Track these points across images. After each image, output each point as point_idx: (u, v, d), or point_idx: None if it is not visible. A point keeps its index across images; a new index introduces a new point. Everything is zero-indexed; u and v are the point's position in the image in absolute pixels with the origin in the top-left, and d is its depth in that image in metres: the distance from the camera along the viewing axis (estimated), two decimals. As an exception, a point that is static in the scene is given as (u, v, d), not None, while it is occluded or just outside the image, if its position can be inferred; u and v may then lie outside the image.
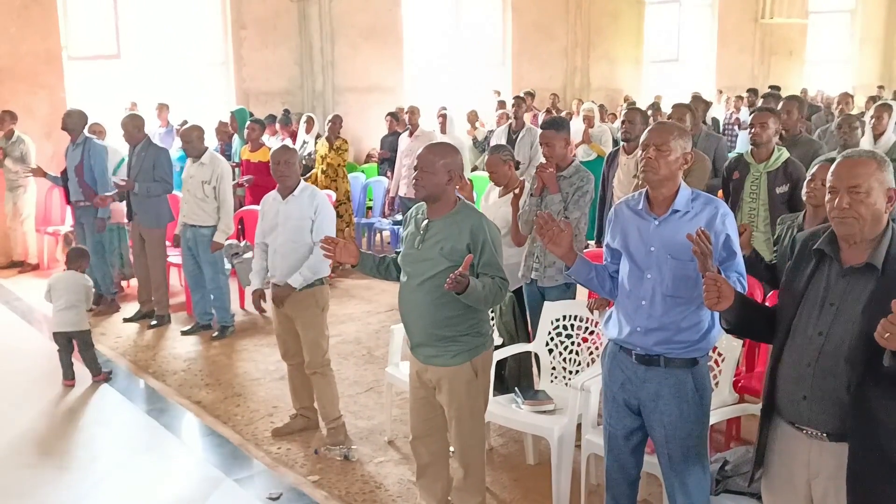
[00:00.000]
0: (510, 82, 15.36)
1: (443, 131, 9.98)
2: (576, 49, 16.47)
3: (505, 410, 4.12)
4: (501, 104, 12.09)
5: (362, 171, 10.80)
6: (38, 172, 7.73)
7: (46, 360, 5.90)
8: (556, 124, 4.99)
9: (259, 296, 4.78)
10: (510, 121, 8.54)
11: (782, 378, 2.48)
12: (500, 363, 4.45)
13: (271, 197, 4.73)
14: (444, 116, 9.79)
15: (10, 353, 6.29)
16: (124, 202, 7.05)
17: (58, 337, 5.53)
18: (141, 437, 4.85)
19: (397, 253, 3.61)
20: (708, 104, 11.01)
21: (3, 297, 7.90)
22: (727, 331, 2.78)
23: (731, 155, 6.21)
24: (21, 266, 9.00)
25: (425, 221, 3.40)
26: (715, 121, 12.34)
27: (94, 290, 5.88)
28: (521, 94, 9.24)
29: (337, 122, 8.90)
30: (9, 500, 4.07)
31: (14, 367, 5.99)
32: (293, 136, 10.75)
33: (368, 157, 12.26)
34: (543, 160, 4.88)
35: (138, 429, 4.95)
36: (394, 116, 10.86)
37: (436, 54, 14.70)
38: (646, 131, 3.08)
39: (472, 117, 10.81)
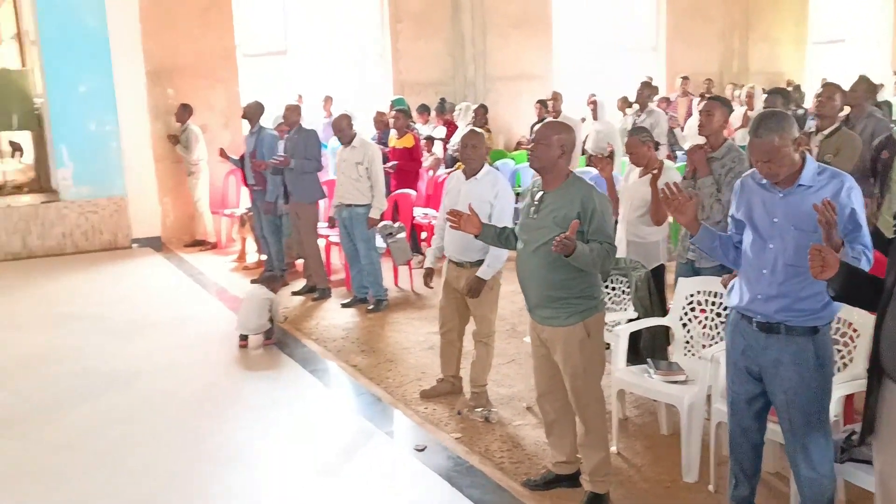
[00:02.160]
0: (663, 67, 15.20)
1: (594, 117, 10.14)
2: (733, 31, 16.03)
3: (637, 379, 4.31)
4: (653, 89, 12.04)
5: (512, 158, 11.09)
6: (222, 154, 8.51)
7: (225, 325, 6.61)
8: (720, 99, 5.16)
9: (430, 273, 5.18)
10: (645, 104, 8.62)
11: (886, 340, 2.57)
12: (635, 336, 4.62)
13: (455, 176, 5.11)
14: (594, 102, 9.93)
15: (194, 319, 7.06)
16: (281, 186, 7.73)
17: (240, 335, 6.18)
18: (303, 393, 5.38)
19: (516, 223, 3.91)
20: (875, 86, 10.53)
21: (187, 270, 8.80)
22: (833, 298, 2.85)
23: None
24: (202, 245, 9.94)
25: (540, 193, 3.69)
26: (888, 104, 11.72)
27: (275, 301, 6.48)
28: (647, 79, 9.27)
29: (480, 111, 9.22)
30: (196, 440, 4.67)
31: (196, 330, 6.74)
32: (447, 124, 11.17)
33: (518, 145, 12.55)
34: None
35: (302, 385, 5.49)
36: (543, 104, 11.07)
37: (586, 41, 14.76)
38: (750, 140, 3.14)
39: (623, 103, 10.86)
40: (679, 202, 3.26)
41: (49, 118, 9.89)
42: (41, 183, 10.71)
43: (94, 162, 9.78)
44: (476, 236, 4.02)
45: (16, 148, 14.10)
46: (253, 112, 8.01)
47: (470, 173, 4.94)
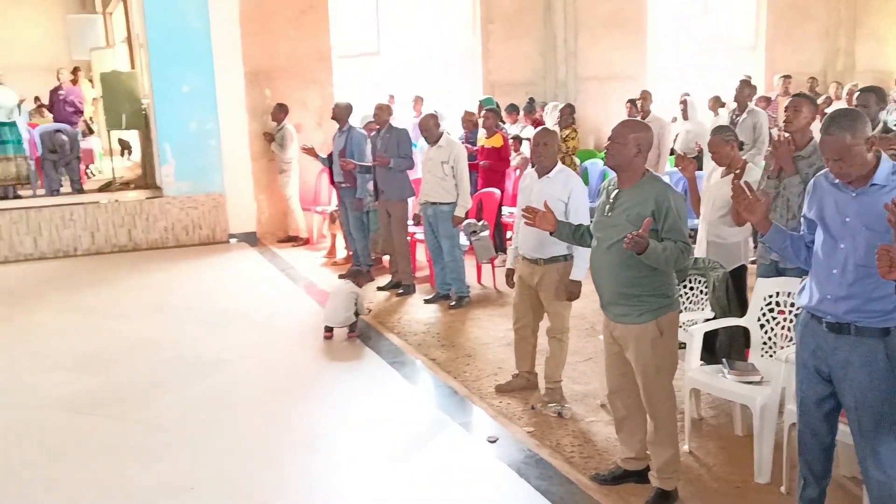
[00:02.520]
0: (762, 66, 14.81)
1: (685, 117, 10.02)
2: (838, 29, 15.48)
3: (710, 379, 4.29)
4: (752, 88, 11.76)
5: (601, 158, 11.04)
6: (310, 152, 8.81)
7: (312, 317, 6.86)
8: (806, 96, 5.09)
9: (511, 273, 5.28)
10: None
11: None
12: (711, 335, 4.60)
13: (529, 175, 5.20)
14: (685, 102, 9.80)
15: (283, 311, 7.35)
16: (371, 184, 7.94)
17: (326, 327, 6.40)
18: (383, 383, 5.54)
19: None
20: None
21: (279, 265, 9.14)
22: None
23: None
24: (294, 240, 10.29)
25: (615, 191, 3.71)
26: None
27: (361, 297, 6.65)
28: (745, 78, 9.06)
29: (566, 111, 9.23)
30: (280, 425, 4.90)
31: (285, 321, 7.02)
32: (536, 123, 11.22)
33: (609, 145, 12.45)
34: (767, 143, 4.94)
35: (382, 376, 5.65)
36: (633, 103, 10.99)
37: (682, 40, 14.53)
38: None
39: (715, 103, 10.67)
40: (749, 201, 3.25)
41: (154, 118, 10.43)
42: (146, 179, 11.32)
43: (195, 160, 10.24)
44: (551, 233, 4.09)
45: (125, 146, 14.90)
46: (342, 112, 8.26)
47: (542, 171, 5.01)
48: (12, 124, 10.49)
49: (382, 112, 7.79)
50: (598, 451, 4.39)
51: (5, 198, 10.44)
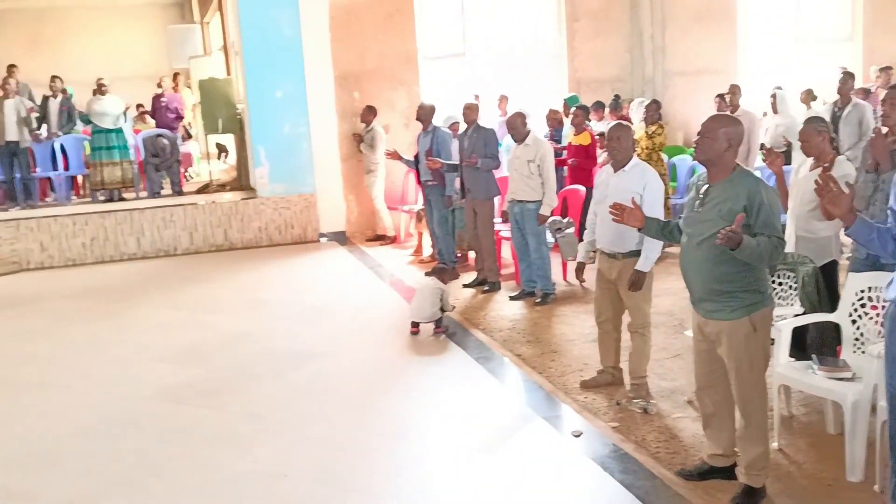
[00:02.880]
0: (860, 57, 14.27)
1: (774, 111, 9.79)
2: (943, 16, 14.78)
3: (800, 374, 4.22)
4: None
5: (690, 154, 10.88)
6: (395, 156, 8.98)
7: (399, 313, 7.02)
8: None
9: (581, 268, 5.33)
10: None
11: None
12: (801, 331, 4.52)
13: (605, 170, 5.23)
14: (774, 96, 9.58)
15: (371, 306, 7.54)
16: (458, 182, 8.05)
17: (413, 322, 6.55)
18: (469, 377, 5.64)
19: (680, 217, 3.93)
20: None
21: (368, 263, 9.36)
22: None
23: None
24: (382, 239, 10.51)
25: (705, 186, 3.69)
26: None
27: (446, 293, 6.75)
28: (848, 70, 8.77)
29: (652, 107, 9.14)
30: (369, 415, 5.05)
31: (374, 317, 7.21)
32: (622, 120, 11.14)
33: (698, 141, 12.24)
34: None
35: (467, 370, 5.75)
36: (722, 98, 10.80)
37: (774, 32, 14.15)
38: None
39: (806, 96, 10.39)
40: (834, 194, 3.20)
41: (249, 122, 10.81)
42: (241, 181, 11.73)
43: (288, 162, 10.57)
44: (639, 230, 4.10)
45: (221, 149, 15.47)
46: (426, 113, 8.42)
47: (617, 166, 5.02)
48: (119, 130, 11.04)
49: (470, 111, 7.89)
50: (684, 447, 4.37)
51: (111, 200, 11.01)
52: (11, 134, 10.64)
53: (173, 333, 6.92)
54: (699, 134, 3.69)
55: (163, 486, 4.23)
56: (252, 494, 4.11)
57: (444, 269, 7.12)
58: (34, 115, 11.16)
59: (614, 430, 4.63)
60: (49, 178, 11.71)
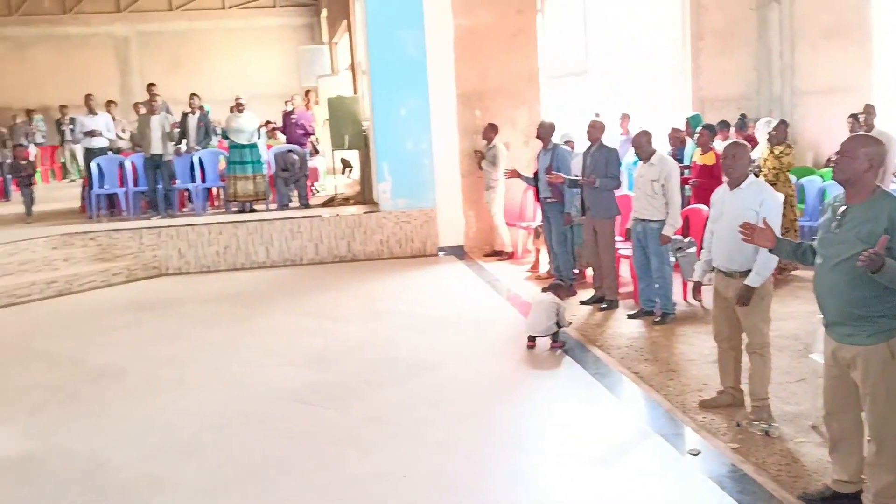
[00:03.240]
0: None
1: (912, 130, 9.36)
2: None
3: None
4: None
5: (820, 175, 10.54)
6: (514, 174, 9.11)
7: (515, 327, 7.11)
8: None
9: (698, 288, 5.29)
10: None
11: None
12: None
13: (721, 188, 5.20)
14: (913, 115, 9.17)
15: (488, 319, 7.67)
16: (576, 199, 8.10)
17: (529, 336, 6.64)
18: (584, 392, 5.67)
19: (813, 239, 3.86)
20: None
21: (485, 277, 9.50)
22: None
23: None
24: (499, 255, 10.63)
25: (843, 207, 3.61)
26: None
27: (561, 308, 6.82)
28: None
29: (780, 127, 8.91)
30: (485, 425, 5.15)
31: (490, 330, 7.33)
32: (748, 139, 10.90)
33: (828, 162, 11.82)
34: None
35: (583, 386, 5.78)
36: (856, 118, 10.40)
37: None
38: None
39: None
40: None
41: (374, 138, 11.18)
42: (365, 196, 12.12)
43: (410, 177, 10.86)
44: (770, 250, 4.06)
45: (346, 165, 16.00)
46: (546, 131, 8.51)
47: (733, 184, 4.98)
48: (253, 146, 11.64)
49: (595, 130, 7.92)
50: (807, 472, 4.28)
51: (243, 211, 11.60)
52: (156, 147, 11.40)
53: (300, 339, 7.23)
54: (838, 153, 3.63)
55: (290, 481, 4.46)
56: (373, 494, 4.28)
57: (560, 285, 7.16)
58: (176, 130, 11.89)
59: (734, 451, 4.57)
60: (188, 190, 12.43)
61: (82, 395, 6.01)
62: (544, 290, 7.23)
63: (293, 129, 13.66)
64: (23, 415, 5.64)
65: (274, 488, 4.38)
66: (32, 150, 13.10)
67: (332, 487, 4.37)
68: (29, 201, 12.10)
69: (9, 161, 14.40)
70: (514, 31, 11.05)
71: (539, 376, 6.14)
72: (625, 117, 12.51)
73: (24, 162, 12.26)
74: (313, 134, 14.23)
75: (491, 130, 10.41)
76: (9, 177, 15.53)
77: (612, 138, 11.32)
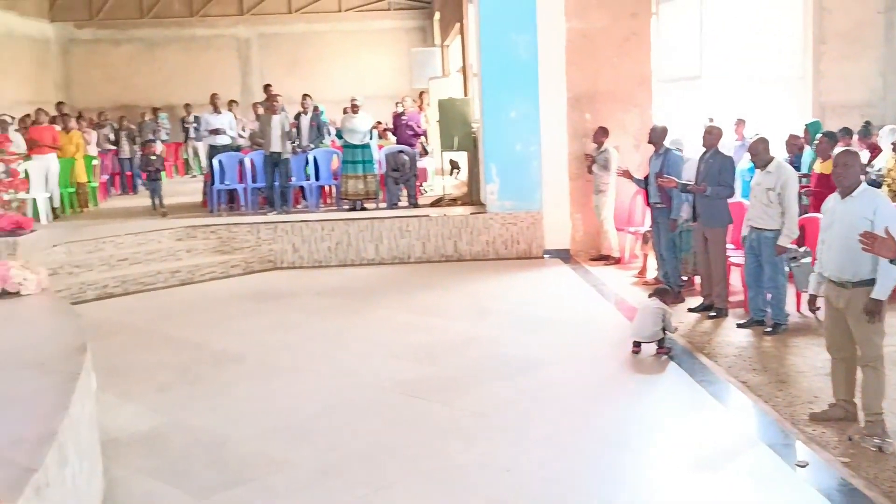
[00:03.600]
0: None
1: None
2: None
3: None
4: None
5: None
6: (626, 174, 9.06)
7: (620, 331, 7.12)
8: None
9: (813, 300, 5.20)
10: None
11: None
12: None
13: (833, 197, 5.11)
14: None
15: (593, 322, 7.70)
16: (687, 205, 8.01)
17: (634, 341, 6.62)
18: (688, 398, 5.65)
19: None
20: None
21: (591, 281, 9.50)
22: None
23: None
24: (606, 259, 10.59)
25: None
26: None
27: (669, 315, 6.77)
28: None
29: (904, 137, 8.58)
30: (587, 424, 5.22)
31: (594, 332, 7.37)
32: (871, 148, 10.51)
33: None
34: None
35: (687, 391, 5.76)
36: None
37: None
38: None
39: None
40: None
41: (483, 140, 11.33)
42: (472, 196, 12.28)
43: (517, 179, 10.94)
44: (891, 261, 3.98)
45: (454, 166, 16.24)
46: (658, 135, 8.45)
47: (844, 192, 4.87)
48: (366, 146, 11.98)
49: (710, 136, 7.81)
50: (922, 489, 4.16)
51: (354, 209, 11.95)
52: (275, 146, 11.89)
53: (407, 333, 7.45)
54: None
55: (397, 467, 4.64)
56: (477, 484, 4.41)
57: (665, 290, 7.11)
58: (294, 129, 12.36)
59: (844, 465, 4.48)
60: (302, 187, 12.88)
61: (205, 377, 6.39)
62: (650, 295, 7.19)
63: (403, 129, 13.97)
64: (152, 393, 6.05)
65: (381, 473, 4.57)
66: (158, 147, 13.82)
67: (437, 475, 4.53)
68: (156, 195, 12.79)
69: (138, 156, 15.27)
70: (626, 35, 11.00)
71: (643, 380, 6.14)
72: (740, 123, 12.24)
73: (153, 157, 12.98)
74: (423, 135, 14.50)
75: (602, 134, 10.39)
76: (137, 171, 16.49)
77: (726, 144, 11.13)
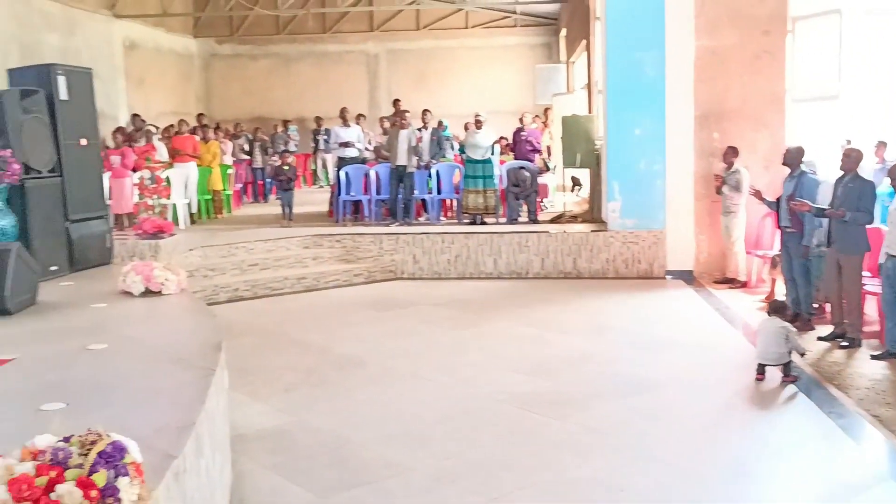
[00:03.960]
0: None
1: None
2: None
3: None
4: None
5: None
6: (758, 194, 8.80)
7: (743, 355, 6.93)
8: None
9: None
10: None
11: None
12: None
13: None
14: None
15: (715, 345, 7.52)
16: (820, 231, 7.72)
17: (760, 365, 6.42)
18: (817, 430, 5.43)
19: None
20: None
21: (714, 304, 9.27)
22: None
23: None
24: (731, 282, 10.30)
25: None
26: None
27: None
28: None
29: None
30: (705, 448, 5.11)
31: (716, 355, 7.20)
32: None
33: None
34: None
35: (814, 423, 5.54)
36: None
37: None
38: None
39: None
40: None
41: (606, 157, 11.26)
42: (593, 214, 12.22)
43: (640, 197, 10.82)
44: None
45: (576, 183, 16.19)
46: (793, 157, 8.19)
47: None
48: (487, 161, 12.13)
49: (849, 159, 7.51)
50: None
51: (473, 223, 12.10)
52: (402, 159, 12.19)
53: (524, 347, 7.49)
54: None
55: (511, 478, 4.69)
56: (591, 500, 4.41)
57: (783, 305, 6.78)
58: (421, 144, 12.63)
59: None
60: (424, 200, 13.14)
61: (328, 380, 6.63)
62: (769, 313, 6.90)
63: (522, 145, 14.03)
64: (278, 393, 6.33)
65: (496, 483, 4.62)
66: (290, 158, 14.41)
67: (551, 488, 4.55)
68: (287, 205, 13.26)
69: (273, 166, 15.95)
70: (758, 52, 10.71)
71: (767, 407, 5.96)
72: (881, 145, 11.64)
73: (284, 168, 13.52)
74: (541, 151, 14.49)
75: (732, 154, 10.14)
76: (268, 181, 17.21)
77: (865, 167, 10.64)
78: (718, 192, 10.26)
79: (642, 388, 6.23)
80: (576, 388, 6.30)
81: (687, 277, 10.64)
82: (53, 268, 6.74)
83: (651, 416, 5.64)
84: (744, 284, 10.20)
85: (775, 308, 6.70)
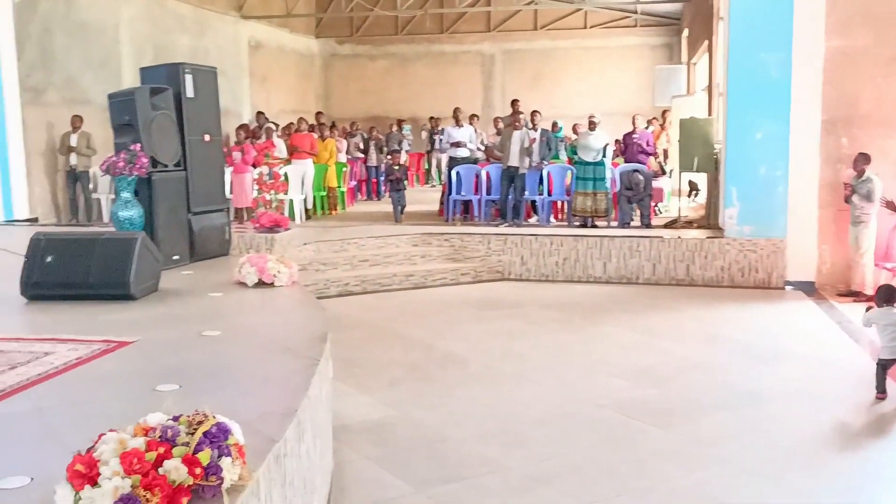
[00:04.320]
0: None
1: None
2: None
3: None
4: None
5: None
6: (891, 206, 8.34)
7: (863, 372, 6.56)
8: None
9: None
10: None
11: None
12: None
13: None
14: None
15: (834, 360, 7.16)
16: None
17: (882, 361, 6.08)
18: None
19: None
20: None
21: (836, 317, 8.83)
22: None
23: None
24: (856, 295, 9.79)
25: None
26: None
27: None
28: None
29: None
30: (817, 467, 4.88)
31: (835, 371, 6.85)
32: None
33: None
34: None
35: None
36: None
37: None
38: None
39: None
40: None
41: (724, 162, 10.91)
42: (709, 220, 11.86)
43: (760, 204, 10.42)
44: None
45: (693, 188, 15.76)
46: (929, 164, 7.71)
47: None
48: (600, 163, 11.97)
49: None
50: None
51: (584, 226, 11.97)
52: (514, 160, 12.19)
53: (631, 353, 7.35)
54: None
55: (608, 484, 4.61)
56: (693, 512, 4.29)
57: (893, 289, 6.28)
58: (535, 146, 12.58)
59: None
60: (534, 201, 13.08)
61: (432, 376, 6.71)
62: (878, 304, 6.40)
63: (633, 148, 13.76)
64: (383, 387, 6.44)
65: (592, 487, 4.56)
66: (402, 157, 14.64)
67: (650, 497, 4.45)
68: (398, 204, 13.42)
69: (386, 164, 16.25)
70: (893, 54, 10.14)
71: (887, 429, 5.63)
72: None
73: (395, 167, 13.75)
74: (653, 155, 14.13)
75: (863, 161, 9.63)
76: (381, 179, 17.55)
77: None
78: (847, 200, 9.78)
79: (753, 400, 6.01)
80: (682, 396, 6.14)
81: (808, 289, 10.19)
82: (175, 257, 7.08)
83: (760, 430, 5.43)
84: (870, 298, 9.65)
85: (886, 296, 6.15)
